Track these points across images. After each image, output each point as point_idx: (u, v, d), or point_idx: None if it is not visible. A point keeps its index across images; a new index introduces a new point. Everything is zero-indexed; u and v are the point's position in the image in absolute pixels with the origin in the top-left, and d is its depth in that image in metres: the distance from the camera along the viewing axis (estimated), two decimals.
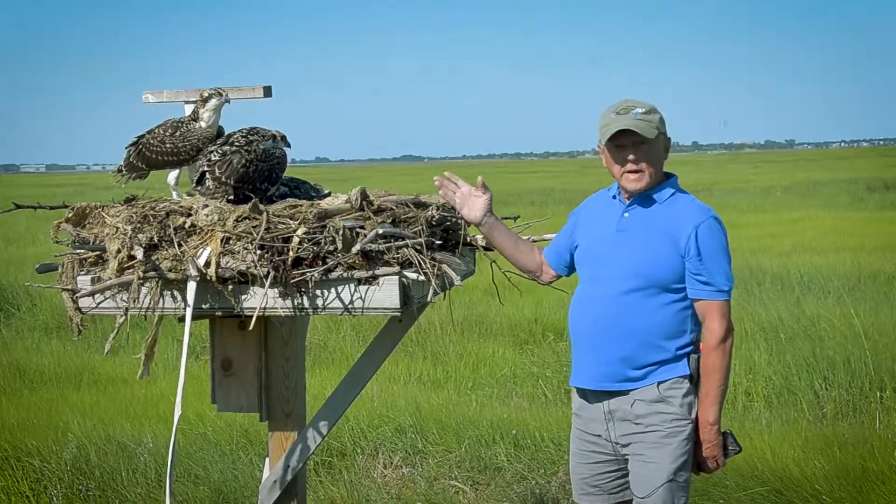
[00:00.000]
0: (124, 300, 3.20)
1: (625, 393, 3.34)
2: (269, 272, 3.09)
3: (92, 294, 3.22)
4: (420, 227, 3.25)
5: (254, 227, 3.15)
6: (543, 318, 9.65)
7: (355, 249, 3.10)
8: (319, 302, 3.15)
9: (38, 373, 8.51)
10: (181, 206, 3.31)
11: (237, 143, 3.49)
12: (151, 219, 3.25)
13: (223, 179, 3.42)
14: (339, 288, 3.14)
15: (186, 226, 3.22)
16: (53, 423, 6.50)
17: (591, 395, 3.42)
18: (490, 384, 7.93)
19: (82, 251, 3.30)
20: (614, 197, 3.46)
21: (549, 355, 8.56)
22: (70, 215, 3.43)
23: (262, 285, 3.10)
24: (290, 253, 3.09)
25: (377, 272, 3.11)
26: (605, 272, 3.35)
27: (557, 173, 60.98)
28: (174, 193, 3.67)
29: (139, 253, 3.15)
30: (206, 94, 3.64)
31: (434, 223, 3.39)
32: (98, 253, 3.28)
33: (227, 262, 3.13)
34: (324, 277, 3.10)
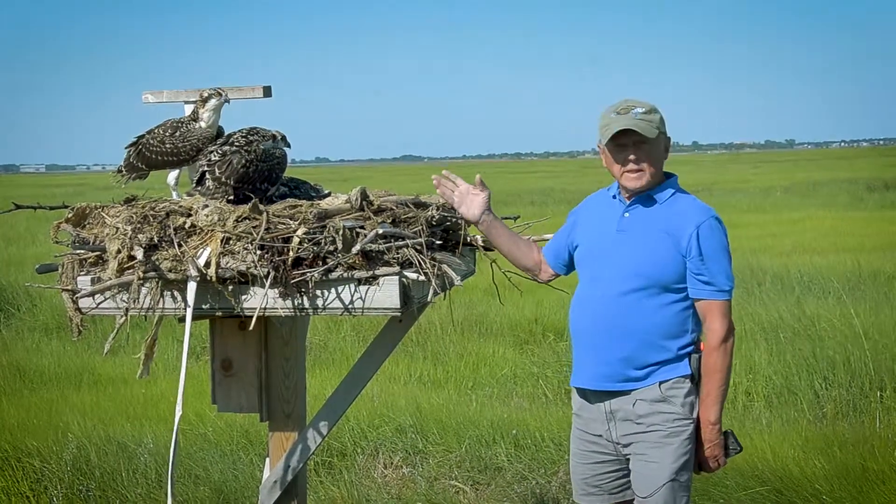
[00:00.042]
0: (124, 300, 3.19)
1: (626, 393, 3.34)
2: (269, 272, 3.08)
3: (92, 294, 3.22)
4: (420, 227, 3.25)
5: (254, 227, 3.14)
6: (544, 318, 9.65)
7: (355, 249, 3.10)
8: (319, 302, 3.15)
9: (38, 373, 8.50)
10: (181, 207, 3.31)
11: (237, 144, 3.48)
12: (151, 219, 3.25)
13: (223, 179, 3.41)
14: (340, 288, 3.14)
15: (186, 226, 3.22)
16: (54, 424, 6.50)
17: (591, 396, 3.42)
18: (490, 384, 7.93)
19: (82, 251, 3.29)
20: (614, 197, 3.46)
21: (549, 355, 8.55)
22: (70, 215, 3.43)
23: (263, 285, 3.10)
24: (291, 253, 3.09)
25: (377, 272, 3.11)
26: (606, 272, 3.35)
27: (557, 173, 61.00)
28: (174, 193, 3.67)
29: (139, 253, 3.15)
30: (205, 95, 3.64)
31: (434, 223, 3.39)
32: (98, 253, 3.27)
33: (227, 263, 3.13)
34: (324, 277, 3.10)
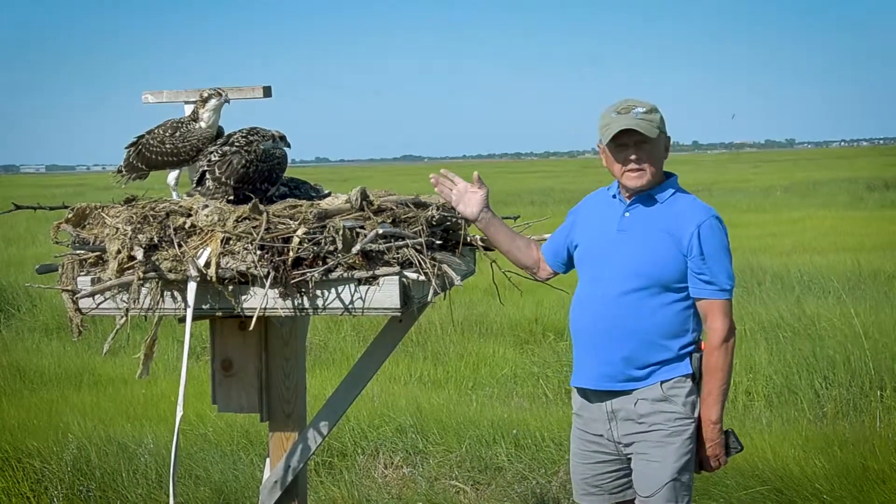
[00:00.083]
0: (124, 301, 3.19)
1: (628, 392, 3.34)
2: (269, 272, 3.08)
3: (92, 295, 3.22)
4: (420, 227, 3.25)
5: (254, 227, 3.14)
6: (544, 317, 9.64)
7: (355, 249, 3.09)
8: (319, 302, 3.15)
9: (38, 373, 8.50)
10: (181, 207, 3.31)
11: (237, 144, 3.48)
12: (151, 219, 3.25)
13: (223, 180, 3.41)
14: (340, 288, 3.14)
15: (186, 226, 3.21)
16: (54, 424, 6.50)
17: (592, 395, 3.42)
18: (490, 384, 7.93)
19: (82, 252, 3.29)
20: (615, 196, 3.46)
21: (549, 355, 8.55)
22: (70, 216, 3.42)
23: (263, 285, 3.10)
24: (291, 253, 3.09)
25: (377, 272, 3.11)
26: (606, 272, 3.35)
27: (557, 173, 60.97)
28: (174, 194, 3.66)
29: (139, 253, 3.14)
30: (205, 95, 3.63)
31: (434, 223, 3.39)
32: (98, 253, 3.27)
33: (228, 263, 3.13)
34: (324, 278, 3.10)
